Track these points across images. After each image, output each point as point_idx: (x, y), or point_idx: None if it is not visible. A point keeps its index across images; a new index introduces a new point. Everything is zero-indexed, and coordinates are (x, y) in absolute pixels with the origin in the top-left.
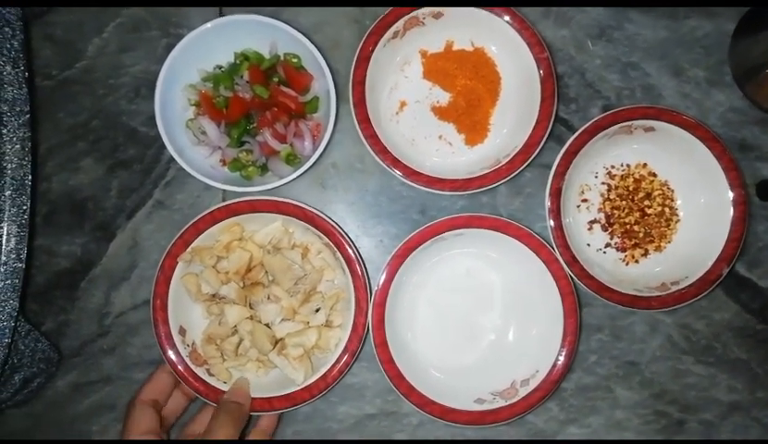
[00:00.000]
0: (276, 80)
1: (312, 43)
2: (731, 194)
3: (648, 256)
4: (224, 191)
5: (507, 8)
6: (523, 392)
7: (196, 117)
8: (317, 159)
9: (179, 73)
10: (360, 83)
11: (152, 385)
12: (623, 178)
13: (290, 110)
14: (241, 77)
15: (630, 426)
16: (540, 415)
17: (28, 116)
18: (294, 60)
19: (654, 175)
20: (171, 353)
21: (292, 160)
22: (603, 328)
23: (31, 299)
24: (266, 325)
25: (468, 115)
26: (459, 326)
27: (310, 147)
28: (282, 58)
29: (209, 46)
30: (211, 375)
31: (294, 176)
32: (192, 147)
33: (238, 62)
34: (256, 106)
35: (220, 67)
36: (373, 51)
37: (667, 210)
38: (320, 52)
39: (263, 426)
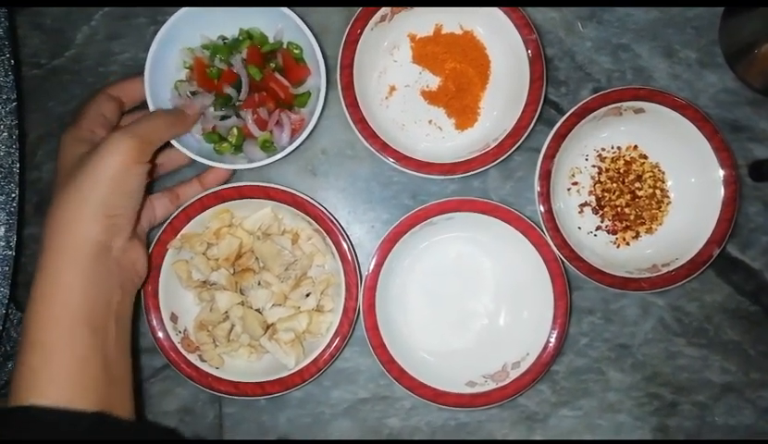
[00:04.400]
0: (273, 65)
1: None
2: (722, 174)
3: (639, 239)
4: None
5: None
6: (514, 375)
7: (188, 80)
8: (293, 151)
9: (182, 32)
10: (348, 67)
11: (123, 85)
12: (613, 160)
13: (278, 98)
14: (240, 53)
15: (623, 409)
16: (532, 398)
17: (15, 103)
18: (296, 51)
19: (645, 157)
20: (163, 340)
21: (268, 147)
22: (595, 311)
23: (24, 288)
24: (257, 310)
25: (458, 99)
26: (450, 309)
27: (287, 139)
28: (285, 46)
29: (218, 16)
30: (203, 360)
31: (266, 162)
32: (170, 102)
33: (240, 38)
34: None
35: (224, 40)
36: (361, 34)
37: (658, 192)
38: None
39: (207, 179)
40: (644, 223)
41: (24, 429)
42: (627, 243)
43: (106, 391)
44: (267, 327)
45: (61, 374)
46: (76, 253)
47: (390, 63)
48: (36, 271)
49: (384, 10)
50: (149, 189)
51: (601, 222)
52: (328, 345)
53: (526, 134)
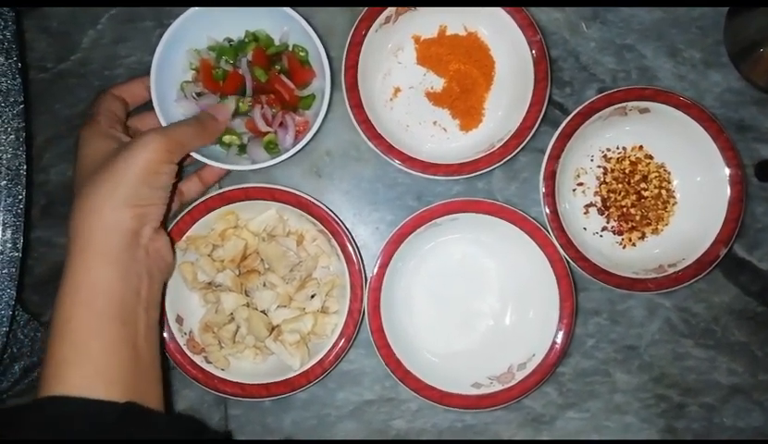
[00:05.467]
0: (278, 67)
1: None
2: (728, 174)
3: (645, 239)
4: (219, 179)
5: None
6: (519, 376)
7: (194, 81)
8: (297, 152)
9: (188, 34)
10: (352, 68)
11: (127, 86)
12: (619, 160)
13: (283, 100)
14: (246, 55)
15: (630, 410)
16: (538, 400)
17: (22, 106)
18: (302, 54)
19: (650, 157)
20: (169, 341)
21: (272, 148)
22: (601, 312)
23: (32, 290)
24: (263, 312)
25: (462, 100)
26: (455, 310)
27: (291, 141)
28: (290, 49)
29: (224, 18)
30: (209, 362)
31: (270, 163)
32: (176, 102)
33: (246, 40)
34: (252, 87)
35: (230, 41)
36: (365, 36)
37: (664, 192)
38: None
39: (203, 176)
40: (650, 223)
41: (53, 420)
42: (633, 244)
43: (136, 382)
44: (273, 329)
45: (91, 365)
46: (106, 241)
47: (395, 64)
48: (65, 261)
49: (388, 12)
50: None
51: (607, 223)
52: (333, 346)
53: (530, 135)
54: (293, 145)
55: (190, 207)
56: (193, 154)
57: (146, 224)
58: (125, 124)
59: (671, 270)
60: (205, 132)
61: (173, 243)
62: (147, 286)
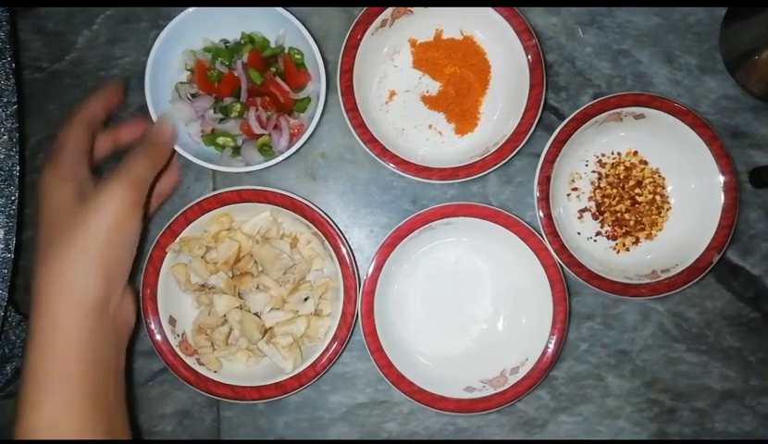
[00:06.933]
0: (273, 70)
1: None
2: (722, 180)
3: (639, 244)
4: (214, 181)
5: None
6: (512, 380)
7: (189, 82)
8: (292, 154)
9: (184, 34)
10: (348, 71)
11: (88, 109)
12: (613, 166)
13: (278, 103)
14: (241, 56)
15: (622, 415)
16: (531, 403)
17: (15, 107)
18: (297, 56)
19: (645, 162)
20: (161, 343)
21: (266, 151)
22: (594, 317)
23: (24, 291)
24: (256, 314)
25: (458, 104)
26: (449, 314)
27: (285, 144)
28: (286, 51)
29: (220, 19)
30: (201, 364)
31: (264, 166)
32: (171, 103)
33: (242, 42)
34: (247, 89)
35: (226, 43)
36: (361, 39)
37: (658, 198)
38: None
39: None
40: (644, 229)
41: None
42: (627, 249)
43: None
44: (266, 331)
45: None
46: (76, 321)
47: (391, 68)
48: (30, 335)
49: (384, 15)
50: None
51: (601, 228)
52: (326, 349)
53: (525, 139)
54: (288, 148)
55: (183, 209)
56: (188, 156)
57: (115, 291)
58: (91, 153)
59: (664, 276)
60: (159, 159)
61: (164, 251)
62: (116, 359)
